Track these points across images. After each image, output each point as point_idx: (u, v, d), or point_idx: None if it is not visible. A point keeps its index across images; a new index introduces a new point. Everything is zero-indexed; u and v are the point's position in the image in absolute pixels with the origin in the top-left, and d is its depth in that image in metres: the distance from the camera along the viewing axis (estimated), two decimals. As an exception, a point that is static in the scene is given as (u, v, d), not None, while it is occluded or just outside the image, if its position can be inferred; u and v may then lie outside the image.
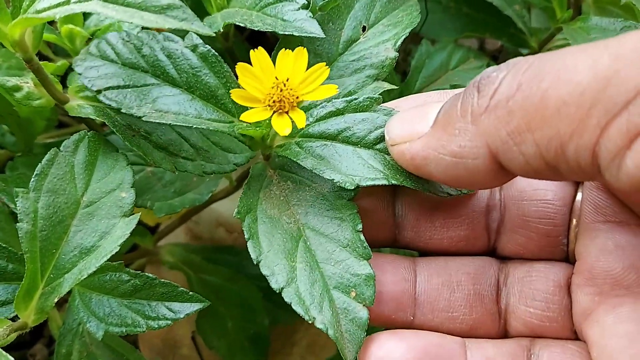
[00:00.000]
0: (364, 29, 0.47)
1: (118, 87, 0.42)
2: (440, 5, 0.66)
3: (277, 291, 0.39)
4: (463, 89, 0.36)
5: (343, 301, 0.39)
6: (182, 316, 0.43)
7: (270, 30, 0.45)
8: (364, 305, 0.39)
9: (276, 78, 0.40)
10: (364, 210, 0.42)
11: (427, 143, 0.36)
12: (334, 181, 0.39)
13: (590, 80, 0.29)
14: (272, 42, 0.47)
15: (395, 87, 0.46)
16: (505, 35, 0.68)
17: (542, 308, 0.42)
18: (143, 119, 0.40)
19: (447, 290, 0.43)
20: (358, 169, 0.40)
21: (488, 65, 0.66)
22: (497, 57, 0.81)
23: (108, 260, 0.40)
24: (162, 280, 0.43)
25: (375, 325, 0.42)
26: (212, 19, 0.52)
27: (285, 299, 0.39)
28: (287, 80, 0.40)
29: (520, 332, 0.42)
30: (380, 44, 0.46)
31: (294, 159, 0.41)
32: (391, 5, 0.48)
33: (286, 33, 0.44)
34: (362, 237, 0.41)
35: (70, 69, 0.50)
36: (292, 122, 0.40)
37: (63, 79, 0.51)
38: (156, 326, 0.43)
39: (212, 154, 0.47)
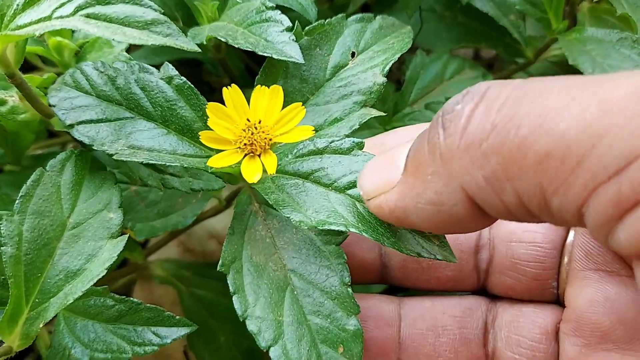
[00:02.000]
0: (353, 54, 0.46)
1: (91, 121, 0.41)
2: (435, 15, 0.66)
3: (265, 350, 0.38)
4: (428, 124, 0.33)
5: (331, 356, 0.39)
6: (169, 341, 0.42)
7: (250, 49, 0.44)
8: None
9: (248, 120, 0.39)
10: (351, 251, 0.41)
11: (402, 193, 0.34)
12: (290, 219, 0.37)
13: (577, 133, 0.26)
14: (263, 57, 0.46)
15: (383, 114, 0.45)
16: (500, 45, 0.67)
17: (528, 356, 0.41)
18: (114, 157, 0.39)
19: (432, 335, 0.42)
20: (321, 211, 0.38)
21: (483, 76, 0.65)
22: (492, 66, 0.81)
23: (95, 283, 0.39)
24: (148, 305, 0.42)
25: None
26: (199, 30, 0.52)
27: (273, 358, 0.38)
28: (260, 122, 0.39)
29: None
30: (369, 70, 0.45)
31: (263, 194, 0.39)
32: (383, 32, 0.47)
33: (265, 54, 0.43)
34: (350, 291, 0.40)
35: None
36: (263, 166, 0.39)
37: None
38: (142, 352, 0.42)
39: (200, 171, 0.46)
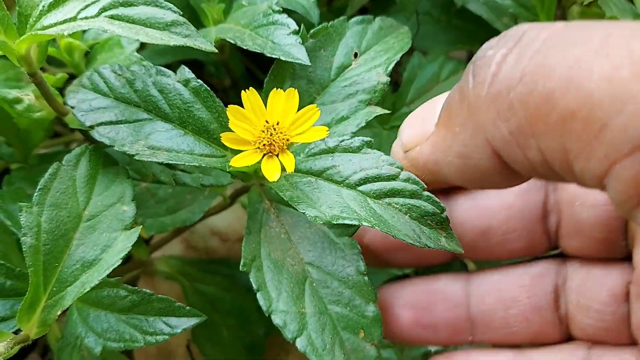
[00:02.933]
0: (355, 55, 0.48)
1: (111, 122, 0.42)
2: (431, 18, 0.68)
3: (291, 341, 0.41)
4: None
5: (353, 342, 0.41)
6: (179, 331, 0.44)
7: (258, 51, 0.46)
8: (372, 344, 0.41)
9: (267, 121, 0.41)
10: None
11: (434, 144, 0.33)
12: (305, 214, 0.39)
13: (604, 94, 0.24)
14: (267, 58, 0.47)
15: (388, 112, 0.47)
16: (494, 47, 0.69)
17: (598, 319, 0.39)
18: (135, 157, 0.41)
19: (501, 308, 0.42)
20: (334, 207, 0.39)
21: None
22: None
23: (108, 274, 0.41)
24: (160, 295, 0.44)
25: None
26: (206, 32, 0.53)
27: (299, 349, 0.40)
28: (278, 123, 0.41)
29: (580, 338, 0.41)
30: (372, 69, 0.47)
31: (278, 191, 0.41)
32: (383, 33, 0.49)
33: (273, 56, 0.45)
34: (367, 278, 0.42)
35: (68, 81, 0.50)
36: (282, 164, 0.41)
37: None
38: (154, 341, 0.44)
39: (209, 168, 0.48)
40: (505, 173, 0.30)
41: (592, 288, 0.39)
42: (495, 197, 0.42)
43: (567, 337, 0.42)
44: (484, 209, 0.42)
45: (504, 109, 0.27)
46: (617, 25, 0.25)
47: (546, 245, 0.42)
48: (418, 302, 0.44)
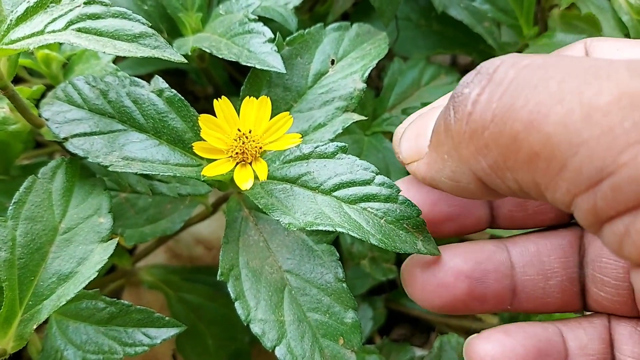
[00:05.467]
0: (332, 62, 0.48)
1: (85, 134, 0.42)
2: (411, 23, 0.68)
3: (270, 350, 0.41)
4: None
5: (332, 348, 0.41)
6: (159, 342, 0.44)
7: (234, 60, 0.46)
8: (351, 351, 0.41)
9: (239, 130, 0.41)
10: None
11: (428, 165, 0.36)
12: (280, 223, 0.39)
13: (560, 139, 0.26)
14: (246, 67, 0.48)
15: (365, 118, 0.47)
16: (475, 51, 0.70)
17: (612, 294, 0.41)
18: (109, 168, 0.41)
19: (542, 279, 0.43)
20: (308, 213, 0.40)
21: (458, 81, 0.67)
22: (469, 71, 0.83)
23: (86, 286, 0.41)
24: (138, 307, 0.44)
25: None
26: (184, 41, 0.53)
27: (279, 357, 0.41)
28: (250, 131, 0.41)
29: (594, 308, 0.43)
30: (349, 76, 0.47)
31: (253, 199, 0.41)
32: (359, 39, 0.49)
33: (249, 64, 0.45)
34: (345, 285, 0.42)
35: (47, 91, 0.50)
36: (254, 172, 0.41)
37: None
38: (133, 352, 0.44)
39: (187, 177, 0.48)
40: (490, 193, 0.33)
41: (606, 263, 0.41)
42: None
43: (582, 306, 0.44)
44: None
45: (481, 146, 0.30)
46: (573, 68, 0.28)
47: (570, 214, 0.44)
48: (472, 271, 0.43)
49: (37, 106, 0.49)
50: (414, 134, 0.38)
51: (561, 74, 0.28)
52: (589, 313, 0.44)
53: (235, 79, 0.79)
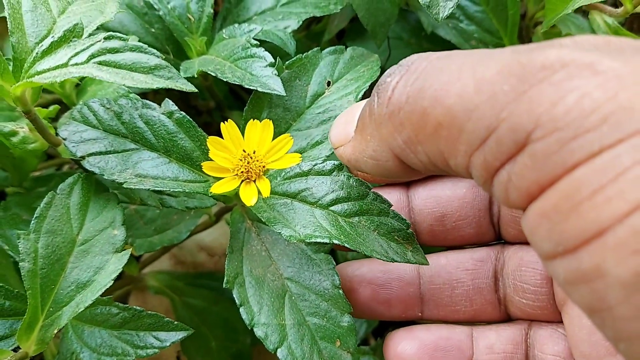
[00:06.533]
0: (328, 83, 0.52)
1: (100, 153, 0.46)
2: (402, 42, 0.71)
3: (272, 351, 0.44)
4: None
5: (330, 350, 0.45)
6: (168, 344, 0.47)
7: (237, 83, 0.49)
8: (347, 352, 0.45)
9: (244, 150, 0.44)
10: None
11: (353, 147, 0.40)
12: (281, 234, 0.43)
13: (458, 108, 0.30)
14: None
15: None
16: (463, 67, 0.73)
17: (533, 299, 0.46)
18: (124, 185, 0.44)
19: (448, 288, 0.48)
20: (307, 226, 0.43)
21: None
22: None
23: (102, 293, 0.44)
24: (149, 312, 0.47)
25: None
26: (190, 64, 0.57)
27: (280, 358, 0.44)
28: (254, 152, 0.44)
29: (517, 316, 0.48)
30: (343, 97, 0.51)
31: (257, 213, 0.45)
32: (353, 62, 0.53)
33: (251, 87, 0.49)
34: (341, 291, 0.46)
35: (60, 110, 0.54)
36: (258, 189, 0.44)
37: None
38: (144, 354, 0.47)
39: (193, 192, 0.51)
40: (407, 170, 0.37)
41: (525, 272, 0.46)
42: (450, 188, 0.49)
43: (506, 316, 0.49)
44: (440, 198, 0.49)
45: (397, 124, 0.34)
46: (471, 55, 0.32)
47: (492, 233, 0.49)
48: (375, 279, 0.49)
49: (51, 123, 0.52)
50: (343, 121, 0.43)
51: (461, 60, 0.32)
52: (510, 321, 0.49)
53: (235, 93, 0.82)
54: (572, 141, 0.26)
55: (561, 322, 0.46)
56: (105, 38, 0.38)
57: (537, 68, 0.28)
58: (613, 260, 0.24)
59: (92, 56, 0.38)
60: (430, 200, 0.48)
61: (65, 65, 0.39)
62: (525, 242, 0.48)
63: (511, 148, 0.28)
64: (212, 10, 0.58)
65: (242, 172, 0.44)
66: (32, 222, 0.44)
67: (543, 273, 0.46)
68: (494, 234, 0.49)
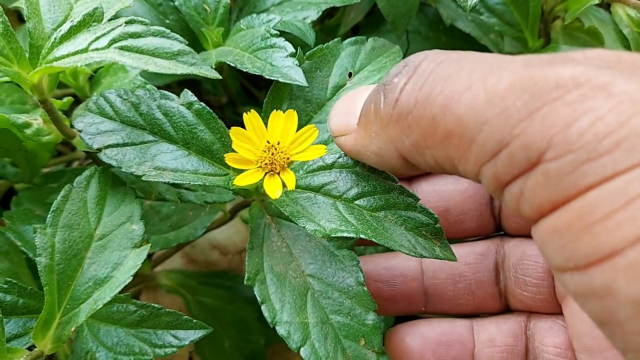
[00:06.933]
0: (350, 75, 0.50)
1: (117, 145, 0.44)
2: (420, 36, 0.70)
3: (295, 350, 0.43)
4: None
5: (354, 349, 0.43)
6: (187, 343, 0.46)
7: (258, 74, 0.48)
8: (372, 351, 0.43)
9: (268, 142, 0.43)
10: None
11: (355, 140, 0.40)
12: (306, 229, 0.41)
13: (469, 119, 0.31)
14: (261, 76, 0.49)
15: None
16: (481, 62, 0.72)
17: (534, 292, 0.47)
18: (142, 178, 0.43)
19: (451, 282, 0.49)
20: (332, 220, 0.42)
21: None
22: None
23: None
24: (167, 310, 0.45)
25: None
26: (207, 54, 0.55)
27: (303, 357, 0.43)
28: (278, 143, 0.43)
29: (518, 308, 0.49)
30: (366, 89, 0.49)
31: (279, 207, 0.43)
32: (375, 53, 0.51)
33: (272, 78, 0.47)
34: (366, 289, 0.45)
35: (73, 103, 0.52)
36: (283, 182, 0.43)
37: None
38: (162, 354, 0.46)
39: (213, 186, 0.50)
40: (411, 168, 0.38)
41: (527, 266, 0.47)
42: (452, 183, 0.49)
43: (505, 308, 0.49)
44: (443, 193, 0.49)
45: (405, 127, 0.34)
46: (480, 62, 0.32)
47: (493, 226, 0.50)
48: (379, 276, 0.49)
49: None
50: (344, 111, 0.42)
51: (470, 67, 0.32)
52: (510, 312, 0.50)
53: (246, 88, 0.81)
54: (585, 164, 0.26)
55: (560, 314, 0.46)
56: (126, 22, 0.37)
57: (551, 86, 0.28)
58: (624, 280, 0.25)
59: (114, 41, 0.37)
60: (434, 195, 0.49)
61: (85, 50, 0.37)
62: (527, 235, 0.48)
63: (523, 164, 0.29)
64: (228, 1, 0.57)
65: (265, 164, 0.43)
66: (49, 215, 0.43)
67: (544, 266, 0.46)
68: (495, 227, 0.50)
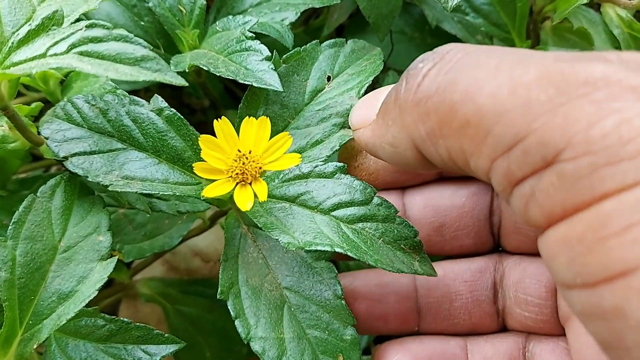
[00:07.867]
0: (328, 78, 0.49)
1: (85, 153, 0.42)
2: (405, 37, 0.69)
3: None
4: None
5: None
6: (158, 359, 0.44)
7: (231, 77, 0.46)
8: None
9: (239, 150, 0.41)
10: None
11: (373, 131, 0.39)
12: (279, 241, 0.39)
13: (489, 109, 0.29)
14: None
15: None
16: (469, 63, 0.70)
17: (535, 312, 0.44)
18: (109, 188, 0.41)
19: (446, 301, 0.46)
20: (307, 232, 0.40)
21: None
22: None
23: (86, 304, 0.41)
24: (137, 324, 0.44)
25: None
26: (181, 57, 0.53)
27: None
28: (250, 152, 0.41)
29: (516, 329, 0.46)
30: (345, 93, 0.47)
31: (252, 218, 0.41)
32: (355, 56, 0.49)
33: (246, 82, 0.45)
34: (344, 302, 0.43)
35: (45, 108, 0.50)
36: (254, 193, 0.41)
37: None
38: (133, 369, 0.44)
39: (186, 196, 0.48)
40: (423, 163, 0.36)
41: (529, 284, 0.44)
42: (448, 198, 0.47)
43: (502, 328, 0.47)
44: (438, 208, 0.46)
45: (422, 113, 0.33)
46: (511, 54, 0.30)
47: (491, 243, 0.47)
48: (371, 293, 0.47)
49: (34, 122, 0.49)
50: (366, 105, 0.42)
51: (499, 58, 0.30)
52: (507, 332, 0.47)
53: (230, 90, 0.79)
54: (604, 167, 0.25)
55: (562, 335, 0.44)
56: (87, 26, 0.35)
57: (580, 82, 0.27)
58: (636, 303, 0.24)
59: (73, 46, 0.35)
60: (429, 210, 0.46)
61: (43, 55, 0.35)
62: (528, 253, 0.46)
63: (538, 162, 0.27)
64: (204, 2, 0.55)
65: (236, 173, 0.41)
66: (10, 227, 0.41)
67: (547, 285, 0.44)
68: (493, 244, 0.48)
